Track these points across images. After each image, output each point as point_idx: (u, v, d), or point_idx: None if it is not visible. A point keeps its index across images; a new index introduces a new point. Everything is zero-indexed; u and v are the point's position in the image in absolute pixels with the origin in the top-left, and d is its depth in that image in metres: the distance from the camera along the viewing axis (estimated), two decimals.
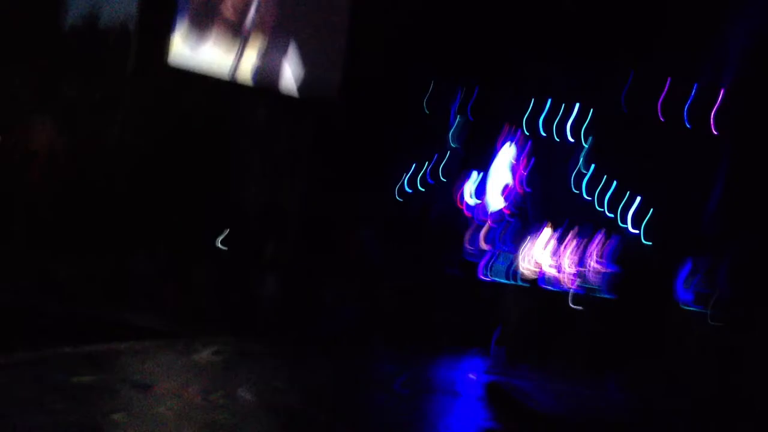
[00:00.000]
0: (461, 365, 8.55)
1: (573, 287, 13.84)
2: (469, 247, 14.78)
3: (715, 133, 14.74)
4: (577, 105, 15.62)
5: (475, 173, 16.20)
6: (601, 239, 14.69)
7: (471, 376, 7.90)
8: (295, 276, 10.04)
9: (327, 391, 5.86)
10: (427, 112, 15.46)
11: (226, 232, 11.66)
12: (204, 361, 5.95)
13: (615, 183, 15.43)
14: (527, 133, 15.98)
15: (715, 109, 15.01)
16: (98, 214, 10.35)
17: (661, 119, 14.61)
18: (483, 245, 15.43)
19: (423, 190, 15.24)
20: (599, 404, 5.70)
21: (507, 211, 16.24)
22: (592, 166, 15.73)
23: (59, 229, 9.24)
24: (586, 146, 15.55)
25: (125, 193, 11.42)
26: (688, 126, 14.66)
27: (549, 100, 15.81)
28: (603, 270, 14.58)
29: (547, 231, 14.79)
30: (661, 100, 15.11)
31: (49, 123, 14.70)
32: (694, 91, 14.97)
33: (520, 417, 4.88)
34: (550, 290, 13.31)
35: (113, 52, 17.38)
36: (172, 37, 13.95)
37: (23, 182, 11.42)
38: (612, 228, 14.70)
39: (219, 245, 11.32)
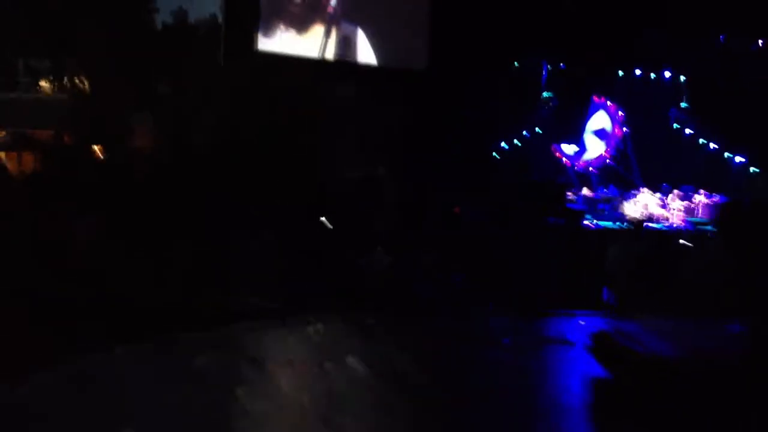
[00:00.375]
0: (570, 316, 8.47)
1: (681, 223, 13.50)
2: (570, 195, 14.57)
3: None
4: (668, 72, 15.21)
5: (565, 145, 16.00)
6: (703, 196, 14.28)
7: (581, 322, 7.83)
8: (395, 248, 10.14)
9: (434, 354, 6.00)
10: (516, 79, 15.29)
11: (323, 208, 11.86)
12: (314, 334, 6.20)
13: (714, 144, 14.97)
14: (619, 102, 15.67)
15: None
16: (200, 198, 10.62)
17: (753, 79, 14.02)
18: (585, 192, 15.18)
19: (520, 147, 15.12)
20: (714, 345, 5.49)
21: (608, 156, 15.90)
22: (690, 129, 15.31)
23: (169, 215, 9.59)
24: (682, 110, 15.11)
25: (221, 177, 11.74)
26: None
27: (638, 69, 15.45)
28: (712, 202, 14.14)
29: (648, 192, 14.50)
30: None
31: (150, 118, 15.27)
32: None
33: (629, 362, 4.84)
34: (658, 230, 12.97)
35: (204, 43, 17.91)
36: (259, 24, 14.34)
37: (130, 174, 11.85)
38: (714, 186, 14.28)
39: (323, 221, 11.56)
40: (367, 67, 14.92)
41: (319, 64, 14.68)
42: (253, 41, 14.58)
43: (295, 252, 9.19)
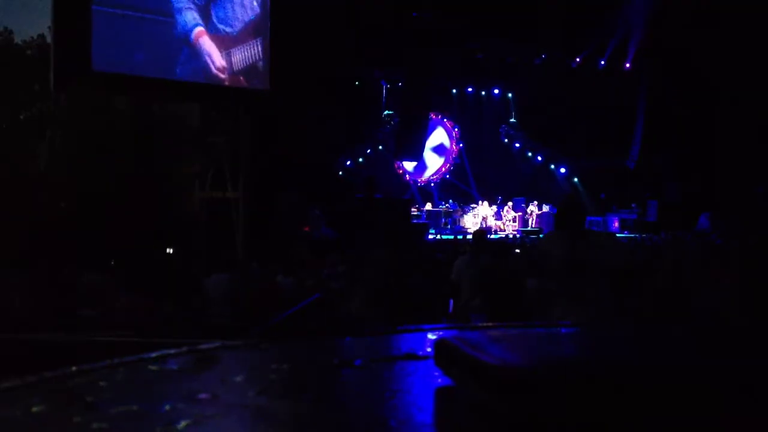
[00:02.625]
0: (422, 330, 8.58)
1: (515, 233, 14.36)
2: (414, 211, 15.04)
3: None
4: (497, 89, 16.21)
5: (407, 161, 16.49)
6: (535, 207, 15.27)
7: (430, 336, 8.00)
8: (247, 271, 10.11)
9: (287, 380, 6.01)
10: (358, 97, 15.67)
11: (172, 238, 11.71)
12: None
13: (541, 157, 16.12)
14: (454, 119, 16.34)
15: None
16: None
17: (576, 95, 15.27)
18: (428, 207, 15.71)
19: (363, 165, 15.46)
20: (563, 352, 5.66)
21: (447, 171, 16.57)
22: (518, 144, 16.38)
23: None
24: (511, 125, 16.15)
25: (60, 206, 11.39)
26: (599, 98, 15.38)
27: (470, 87, 16.33)
28: (541, 212, 15.13)
29: (486, 205, 15.15)
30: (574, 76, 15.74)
31: None
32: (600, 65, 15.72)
33: (472, 371, 4.95)
34: (495, 240, 13.66)
35: (33, 65, 16.99)
36: (92, 43, 13.60)
37: None
38: (542, 196, 15.33)
39: (169, 251, 11.39)
40: (214, 87, 14.79)
41: (163, 83, 14.36)
42: (89, 61, 13.84)
43: (147, 281, 8.99)
